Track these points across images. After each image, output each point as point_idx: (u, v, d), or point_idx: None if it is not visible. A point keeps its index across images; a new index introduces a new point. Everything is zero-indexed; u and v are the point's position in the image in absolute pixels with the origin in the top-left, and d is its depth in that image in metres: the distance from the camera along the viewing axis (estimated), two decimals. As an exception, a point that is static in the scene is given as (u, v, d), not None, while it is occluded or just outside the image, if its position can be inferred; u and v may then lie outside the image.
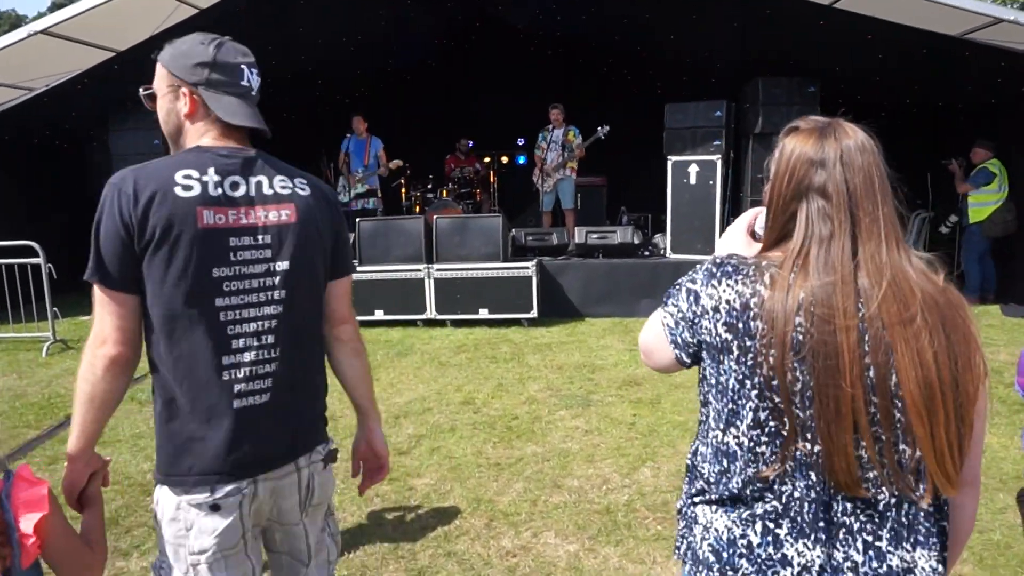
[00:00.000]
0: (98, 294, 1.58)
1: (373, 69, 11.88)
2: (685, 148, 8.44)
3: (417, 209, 11.34)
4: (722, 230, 8.27)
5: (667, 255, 8.65)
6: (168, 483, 1.62)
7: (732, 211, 9.02)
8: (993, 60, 6.93)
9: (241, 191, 1.63)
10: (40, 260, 7.05)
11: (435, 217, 8.30)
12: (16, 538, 1.36)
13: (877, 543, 1.20)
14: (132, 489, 3.88)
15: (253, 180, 1.66)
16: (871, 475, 1.18)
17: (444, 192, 11.17)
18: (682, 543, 1.37)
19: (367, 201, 9.70)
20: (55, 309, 7.15)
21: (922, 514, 1.20)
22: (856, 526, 1.20)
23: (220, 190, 1.61)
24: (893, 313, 1.13)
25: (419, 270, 7.78)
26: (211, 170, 1.61)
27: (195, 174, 1.59)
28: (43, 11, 40.19)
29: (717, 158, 8.28)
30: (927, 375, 1.12)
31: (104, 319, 1.58)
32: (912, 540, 1.21)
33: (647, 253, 8.96)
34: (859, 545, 1.20)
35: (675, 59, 10.51)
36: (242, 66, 1.68)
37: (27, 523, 1.38)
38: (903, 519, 1.20)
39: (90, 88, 8.09)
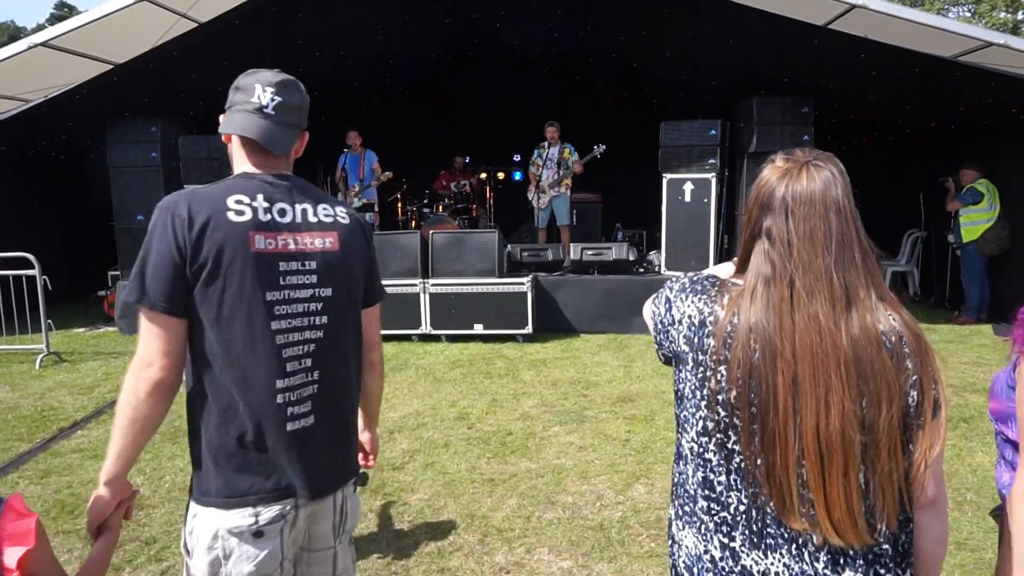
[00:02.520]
0: (144, 317, 1.58)
1: (370, 83, 11.96)
2: (680, 166, 8.50)
3: (413, 224, 11.38)
4: (716, 247, 8.36)
5: (662, 272, 8.68)
6: (211, 504, 1.60)
7: (726, 229, 9.07)
8: (984, 82, 7.03)
9: (288, 217, 1.69)
10: (35, 272, 7.03)
11: (431, 232, 8.33)
12: None
13: (826, 558, 1.24)
14: (124, 503, 3.86)
15: (299, 207, 1.71)
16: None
17: (440, 207, 11.20)
18: (670, 561, 1.44)
19: (363, 216, 9.72)
20: (49, 321, 7.13)
21: None
22: (810, 542, 1.24)
23: (269, 216, 1.65)
24: (807, 364, 1.19)
25: (414, 285, 7.80)
26: (260, 196, 1.66)
27: (245, 199, 1.64)
28: (43, 23, 40.29)
29: (712, 176, 8.35)
30: (828, 428, 1.17)
31: (150, 343, 1.57)
32: (843, 561, 1.24)
33: (642, 270, 9.00)
34: (812, 560, 1.24)
35: (671, 77, 10.61)
36: (255, 85, 1.71)
37: (10, 556, 1.33)
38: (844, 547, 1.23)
39: (88, 100, 8.12)
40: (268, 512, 1.60)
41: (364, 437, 2.07)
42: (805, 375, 1.19)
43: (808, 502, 1.20)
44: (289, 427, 1.63)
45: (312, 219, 1.72)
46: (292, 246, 1.67)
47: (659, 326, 1.38)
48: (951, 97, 7.90)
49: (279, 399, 1.62)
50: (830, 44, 7.26)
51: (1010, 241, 8.09)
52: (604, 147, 9.15)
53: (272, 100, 1.71)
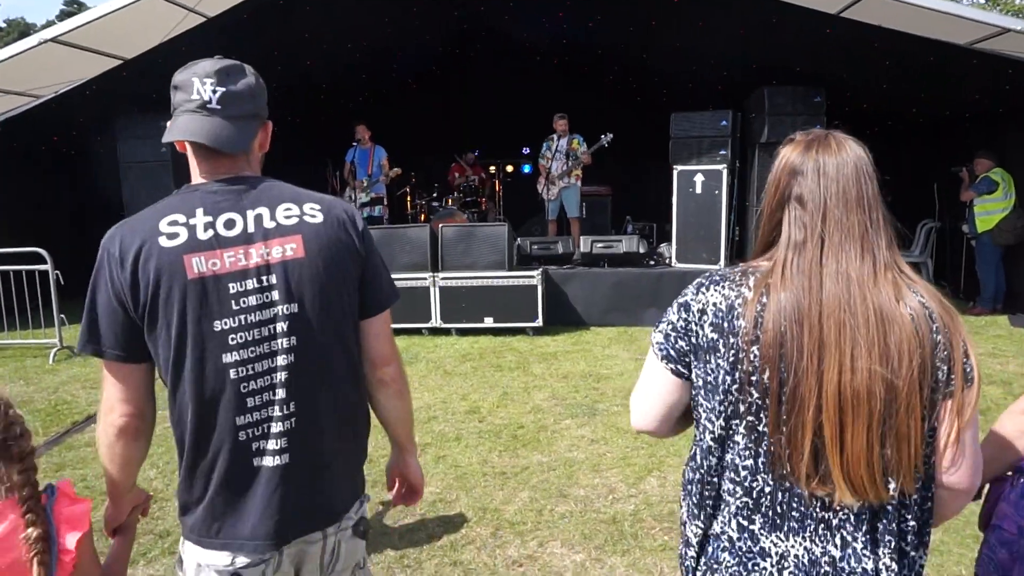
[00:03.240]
0: (102, 364, 1.48)
1: (378, 77, 11.93)
2: (691, 157, 8.45)
3: (423, 217, 11.38)
4: (728, 239, 8.31)
5: (672, 264, 8.64)
6: (191, 540, 1.53)
7: (737, 220, 9.01)
8: (1001, 69, 6.93)
9: (237, 229, 1.47)
10: (48, 267, 7.07)
11: (440, 225, 8.31)
12: (55, 552, 1.33)
13: (854, 543, 1.24)
14: (137, 496, 3.88)
15: (252, 213, 1.49)
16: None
17: (449, 201, 11.20)
18: (682, 549, 1.43)
19: (372, 209, 9.75)
20: (62, 316, 7.17)
21: (887, 514, 1.23)
22: (835, 522, 1.24)
23: (211, 232, 1.45)
24: (834, 320, 1.20)
25: (424, 278, 7.79)
26: (199, 211, 1.47)
27: (181, 219, 1.45)
28: (52, 19, 40.49)
29: (723, 167, 8.28)
30: (852, 384, 1.17)
31: (108, 389, 1.49)
32: (875, 541, 1.24)
33: (652, 262, 8.95)
34: (837, 541, 1.24)
35: (681, 68, 10.53)
36: (192, 79, 1.50)
37: (70, 539, 1.35)
38: (875, 521, 1.24)
39: (98, 95, 8.15)
40: (243, 558, 1.48)
41: (396, 468, 1.82)
42: (831, 332, 1.19)
43: (823, 460, 1.20)
44: (256, 463, 1.48)
45: (269, 224, 1.49)
46: (243, 262, 1.45)
47: (674, 333, 1.35)
48: (966, 85, 7.81)
49: (241, 436, 1.46)
50: (843, 32, 7.19)
51: (1026, 231, 7.99)
52: (611, 136, 9.10)
53: (215, 92, 1.49)
